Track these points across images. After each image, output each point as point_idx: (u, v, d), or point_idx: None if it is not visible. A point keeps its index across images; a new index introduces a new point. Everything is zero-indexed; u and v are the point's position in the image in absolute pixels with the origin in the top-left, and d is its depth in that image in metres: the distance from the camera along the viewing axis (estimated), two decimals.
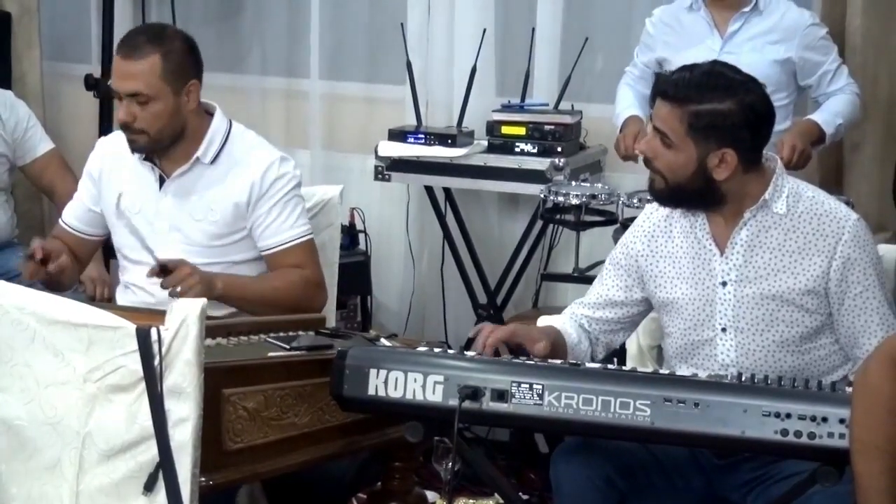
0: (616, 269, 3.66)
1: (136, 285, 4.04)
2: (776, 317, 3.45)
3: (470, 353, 3.28)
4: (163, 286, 3.74)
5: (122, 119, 3.92)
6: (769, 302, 3.45)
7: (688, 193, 3.44)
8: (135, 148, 3.96)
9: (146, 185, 4.04)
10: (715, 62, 3.57)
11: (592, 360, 3.63)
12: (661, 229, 3.61)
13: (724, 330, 3.50)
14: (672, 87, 3.39)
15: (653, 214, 3.66)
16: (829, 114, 4.59)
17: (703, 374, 3.31)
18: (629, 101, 4.94)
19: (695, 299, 3.52)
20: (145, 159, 4.01)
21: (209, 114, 4.05)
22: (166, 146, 3.96)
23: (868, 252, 3.48)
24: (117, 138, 4.05)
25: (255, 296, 3.91)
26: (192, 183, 4.01)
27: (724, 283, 3.50)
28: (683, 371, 3.51)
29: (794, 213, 3.48)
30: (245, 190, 3.96)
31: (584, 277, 4.94)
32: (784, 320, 3.45)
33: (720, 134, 3.36)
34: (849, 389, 3.07)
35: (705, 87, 3.38)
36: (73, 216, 4.19)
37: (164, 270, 3.76)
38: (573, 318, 3.65)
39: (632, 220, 3.90)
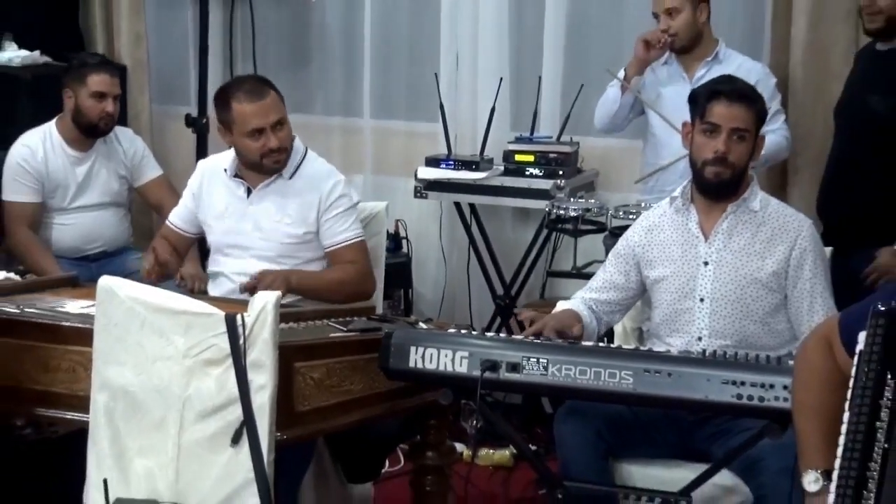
0: (617, 259, 3.70)
1: (225, 274, 4.08)
2: (746, 292, 3.49)
3: (490, 334, 3.28)
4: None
5: (276, 145, 3.92)
6: (741, 279, 3.50)
7: (740, 177, 3.52)
8: (280, 166, 4.00)
9: (237, 195, 4.07)
10: (724, 75, 3.88)
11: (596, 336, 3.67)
12: (656, 224, 3.66)
13: (702, 300, 3.52)
14: (747, 91, 3.52)
15: (650, 215, 3.74)
16: None
17: (678, 348, 3.32)
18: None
19: (680, 276, 3.56)
20: (235, 176, 4.05)
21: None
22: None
23: (818, 248, 3.56)
24: (213, 160, 4.11)
25: (322, 286, 3.95)
26: (273, 193, 4.04)
27: (706, 263, 3.53)
28: (665, 341, 3.56)
29: (765, 211, 3.56)
30: (315, 202, 4.01)
31: (580, 274, 4.93)
32: (751, 295, 3.49)
33: (763, 122, 3.55)
34: (791, 362, 3.06)
35: (754, 90, 3.57)
36: (178, 217, 4.24)
37: (252, 287, 3.80)
38: (584, 302, 3.67)
39: (618, 227, 3.93)
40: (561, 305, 3.71)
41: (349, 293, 3.95)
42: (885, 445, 2.19)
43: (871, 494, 2.19)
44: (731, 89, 3.50)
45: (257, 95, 3.93)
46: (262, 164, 3.97)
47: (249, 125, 3.91)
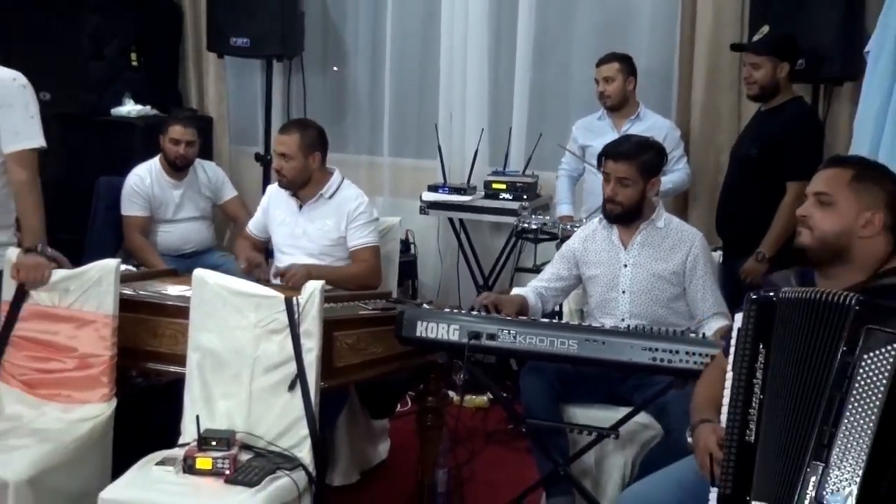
0: (561, 259, 3.69)
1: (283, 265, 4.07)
2: (655, 286, 3.49)
3: (474, 312, 3.29)
4: (282, 282, 3.81)
5: (275, 167, 4.02)
6: (651, 277, 3.49)
7: (633, 212, 3.48)
8: (281, 184, 4.05)
9: (292, 209, 4.09)
10: (623, 136, 3.76)
11: (544, 314, 3.66)
12: (589, 237, 3.65)
13: (623, 292, 3.51)
14: (631, 151, 3.44)
15: (585, 229, 3.72)
16: (666, 181, 4.52)
17: (607, 325, 3.33)
18: (563, 194, 4.97)
19: (607, 274, 3.55)
20: (292, 195, 4.05)
21: (331, 173, 4.08)
22: (298, 187, 4.01)
23: (708, 254, 3.56)
24: (278, 184, 4.09)
25: (336, 278, 3.84)
26: (317, 208, 4.05)
27: (626, 265, 3.53)
28: (599, 320, 3.54)
29: (668, 228, 3.54)
30: (345, 215, 4.01)
31: (539, 270, 4.87)
32: (659, 287, 3.49)
33: (654, 170, 3.46)
34: (692, 335, 3.09)
35: (641, 146, 3.47)
36: (253, 226, 4.26)
37: (282, 274, 3.86)
38: (534, 289, 3.65)
39: (566, 237, 3.92)
40: (515, 291, 3.72)
41: (358, 285, 3.91)
42: (761, 397, 2.21)
43: (752, 432, 2.21)
44: (617, 151, 3.47)
45: (282, 130, 4.03)
46: None
47: (272, 146, 4.04)
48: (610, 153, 3.47)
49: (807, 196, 2.44)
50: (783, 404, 2.16)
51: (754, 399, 2.20)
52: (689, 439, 2.46)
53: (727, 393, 2.28)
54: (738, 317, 2.30)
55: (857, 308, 2.10)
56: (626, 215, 3.50)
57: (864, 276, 2.33)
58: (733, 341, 2.31)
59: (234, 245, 4.48)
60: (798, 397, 2.14)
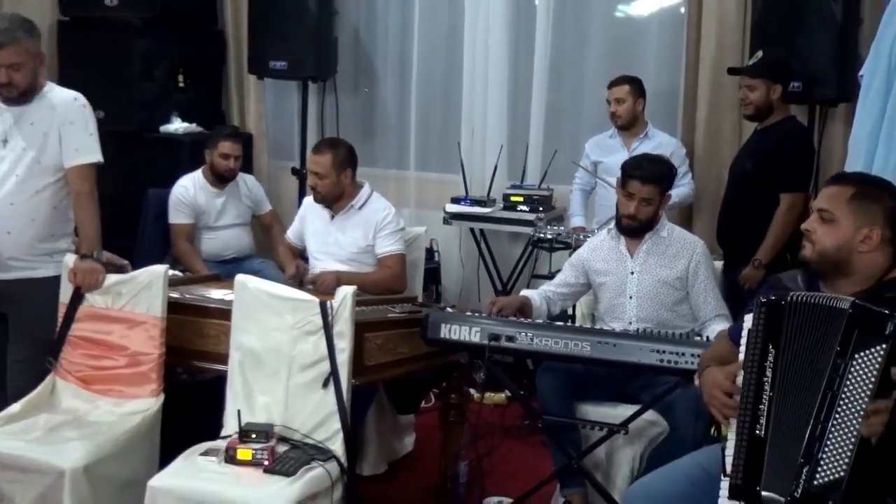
0: (570, 267, 3.69)
1: (315, 273, 4.09)
2: (659, 291, 3.48)
3: (493, 316, 3.30)
4: (315, 289, 3.81)
5: (310, 184, 4.04)
6: (656, 282, 3.49)
7: (647, 225, 3.50)
8: (316, 199, 4.07)
9: (324, 219, 4.11)
10: (643, 156, 3.65)
11: (549, 316, 3.65)
12: (598, 247, 3.65)
13: (630, 297, 3.51)
14: (655, 174, 3.45)
15: (594, 239, 3.72)
16: (672, 195, 4.49)
17: (618, 329, 3.33)
18: (577, 207, 4.98)
19: (616, 281, 3.55)
20: (325, 207, 4.07)
21: (361, 186, 4.09)
22: (332, 201, 4.03)
23: (708, 260, 3.55)
24: (313, 199, 4.11)
25: (363, 283, 3.80)
26: (348, 219, 4.06)
27: (632, 273, 3.52)
28: (608, 323, 3.54)
29: (671, 237, 3.53)
30: (373, 224, 4.01)
31: (553, 277, 4.89)
32: (663, 292, 3.48)
33: (668, 187, 3.50)
34: (697, 338, 3.08)
35: (662, 167, 3.50)
36: (291, 234, 4.30)
37: (314, 281, 3.90)
38: (542, 293, 3.66)
39: (580, 246, 3.92)
40: (523, 292, 3.72)
41: (383, 290, 3.90)
42: (770, 394, 2.21)
43: (762, 426, 2.21)
44: (645, 174, 3.46)
45: (315, 151, 4.04)
46: None
47: (307, 166, 4.08)
48: (637, 175, 3.46)
49: (811, 210, 2.45)
50: (789, 401, 2.19)
51: (764, 395, 2.21)
52: (696, 383, 2.49)
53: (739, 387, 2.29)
54: (749, 317, 2.30)
55: (851, 311, 2.12)
56: (640, 228, 3.52)
57: (864, 288, 2.34)
58: (744, 340, 2.31)
59: (278, 253, 4.51)
60: (801, 394, 2.17)
